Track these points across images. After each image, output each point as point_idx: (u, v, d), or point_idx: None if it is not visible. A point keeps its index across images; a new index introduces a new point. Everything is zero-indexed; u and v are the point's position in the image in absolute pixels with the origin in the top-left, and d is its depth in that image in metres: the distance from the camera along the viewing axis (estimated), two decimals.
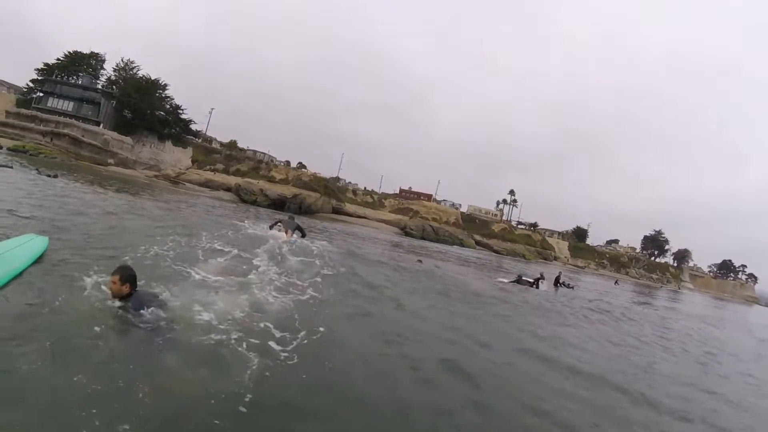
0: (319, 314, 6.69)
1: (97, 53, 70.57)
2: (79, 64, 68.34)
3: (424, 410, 4.52)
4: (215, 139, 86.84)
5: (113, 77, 68.44)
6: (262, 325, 5.52)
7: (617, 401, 6.22)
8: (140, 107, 63.20)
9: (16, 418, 2.98)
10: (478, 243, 76.15)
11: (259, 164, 74.26)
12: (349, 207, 70.22)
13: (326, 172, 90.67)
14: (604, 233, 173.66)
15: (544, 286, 20.89)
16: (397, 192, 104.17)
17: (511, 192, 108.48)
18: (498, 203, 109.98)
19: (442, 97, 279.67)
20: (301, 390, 4.24)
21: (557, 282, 23.75)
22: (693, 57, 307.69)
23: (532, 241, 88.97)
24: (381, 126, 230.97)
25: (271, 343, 5.02)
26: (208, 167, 66.86)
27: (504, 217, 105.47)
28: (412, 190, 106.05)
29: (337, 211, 64.49)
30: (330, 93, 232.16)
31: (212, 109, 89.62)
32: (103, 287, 5.23)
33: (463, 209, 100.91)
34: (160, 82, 66.95)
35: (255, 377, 4.15)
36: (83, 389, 3.38)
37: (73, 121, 57.23)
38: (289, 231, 14.62)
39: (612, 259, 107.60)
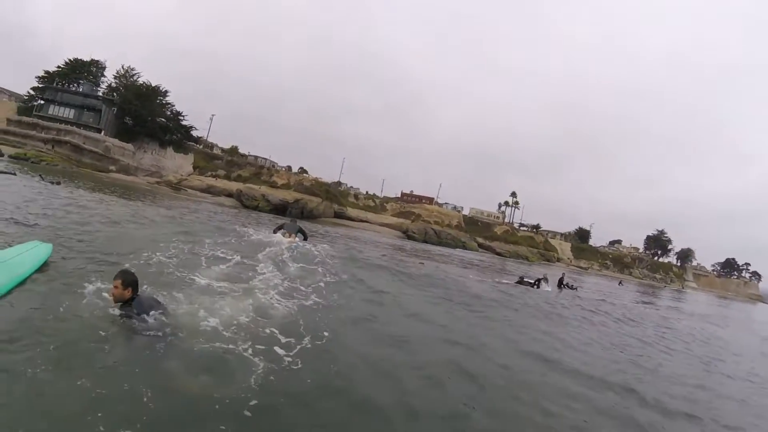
0: (323, 319, 6.69)
1: (98, 60, 70.81)
2: (80, 71, 68.51)
3: (431, 414, 4.51)
4: (216, 145, 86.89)
5: (114, 84, 68.57)
6: (266, 330, 5.53)
7: (621, 402, 6.21)
8: (141, 114, 63.23)
9: (20, 422, 2.99)
10: (480, 245, 76.02)
11: (260, 170, 74.25)
12: (351, 211, 70.09)
13: (328, 176, 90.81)
14: (607, 234, 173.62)
15: (548, 287, 20.89)
16: (399, 196, 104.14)
17: (513, 194, 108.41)
18: (500, 205, 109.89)
19: (441, 98, 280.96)
20: (307, 394, 4.23)
21: (561, 283, 23.72)
22: (693, 56, 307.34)
23: (535, 243, 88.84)
24: (381, 129, 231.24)
25: (276, 348, 5.01)
26: (209, 173, 66.89)
27: (506, 219, 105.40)
28: (414, 193, 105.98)
29: (339, 215, 64.40)
30: (330, 96, 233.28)
31: (213, 115, 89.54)
32: (105, 294, 5.24)
33: (465, 212, 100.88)
34: (161, 88, 67.10)
35: (260, 382, 4.15)
36: (87, 394, 3.39)
37: (74, 128, 57.34)
38: (292, 234, 14.87)
39: (615, 260, 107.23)
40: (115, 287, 4.84)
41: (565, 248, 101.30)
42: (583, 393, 6.18)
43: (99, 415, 3.14)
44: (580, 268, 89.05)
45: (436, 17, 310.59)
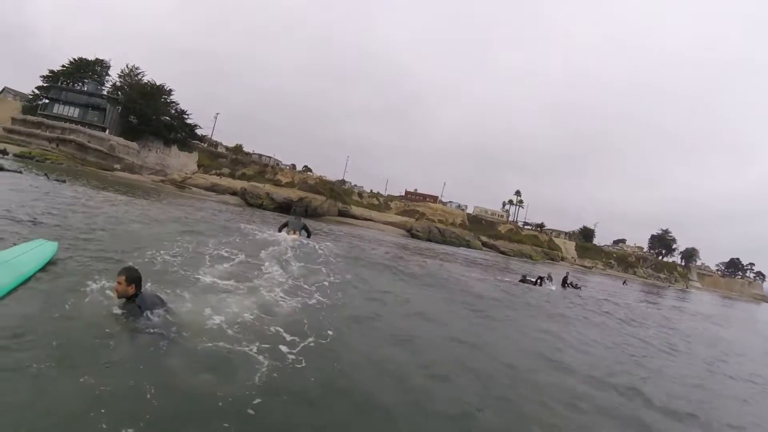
0: (327, 318, 6.68)
1: (102, 60, 71.27)
2: (84, 70, 68.96)
3: (435, 414, 4.50)
4: (221, 144, 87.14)
5: (118, 83, 69.00)
6: (270, 328, 5.52)
7: (625, 402, 6.19)
8: (146, 112, 63.51)
9: (24, 419, 3.00)
10: (484, 244, 76.04)
11: (264, 168, 74.45)
12: (355, 209, 70.16)
13: (332, 175, 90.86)
14: (611, 233, 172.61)
15: (552, 286, 20.93)
16: (403, 194, 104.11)
17: (517, 192, 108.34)
18: (504, 204, 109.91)
19: (442, 98, 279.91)
20: (310, 393, 4.22)
21: (565, 282, 23.73)
22: (695, 54, 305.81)
23: (539, 242, 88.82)
24: (384, 128, 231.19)
25: (280, 347, 5.00)
26: (213, 171, 67.12)
27: (510, 218, 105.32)
28: (418, 192, 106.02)
29: (343, 213, 64.49)
30: (332, 95, 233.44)
31: (217, 113, 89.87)
32: (109, 292, 5.25)
33: (469, 210, 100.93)
34: (165, 87, 67.36)
35: (264, 380, 4.14)
36: (91, 391, 3.39)
37: (79, 127, 57.75)
38: (296, 231, 15.03)
39: (619, 259, 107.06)
40: (119, 283, 4.85)
41: (569, 247, 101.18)
42: (588, 393, 6.15)
43: (102, 411, 3.14)
44: (584, 267, 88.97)
45: (437, 17, 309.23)
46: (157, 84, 66.96)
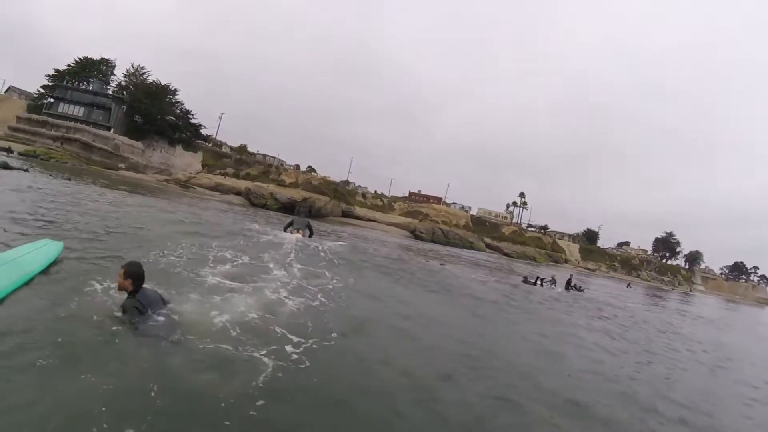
0: (330, 319, 6.68)
1: (107, 59, 71.62)
2: (90, 70, 69.30)
3: (439, 413, 4.50)
4: (225, 144, 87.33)
5: (123, 83, 69.27)
6: (274, 329, 5.53)
7: (626, 407, 6.18)
8: (150, 112, 63.75)
9: (27, 416, 3.01)
10: (488, 246, 75.84)
11: (269, 168, 74.51)
12: (359, 210, 70.05)
13: (336, 175, 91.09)
14: (615, 235, 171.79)
15: (556, 288, 21.04)
16: (407, 195, 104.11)
17: (521, 194, 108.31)
18: (508, 206, 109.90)
19: (443, 98, 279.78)
20: (313, 394, 4.22)
21: (568, 284, 23.76)
22: (699, 54, 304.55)
23: (543, 244, 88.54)
24: (387, 128, 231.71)
25: (284, 347, 5.01)
26: (218, 171, 67.15)
27: (514, 220, 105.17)
28: (422, 193, 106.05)
29: (346, 214, 64.42)
30: (336, 95, 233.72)
31: (222, 113, 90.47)
32: (113, 292, 5.26)
33: (473, 212, 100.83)
34: (170, 87, 67.57)
35: (267, 381, 4.14)
36: (94, 390, 3.40)
37: (84, 126, 57.92)
38: (301, 230, 15.21)
39: (623, 262, 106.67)
40: (119, 275, 4.86)
41: (573, 249, 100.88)
42: (590, 396, 6.16)
43: (105, 411, 3.15)
44: (588, 269, 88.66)
45: (437, 17, 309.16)
46: (163, 84, 67.30)
